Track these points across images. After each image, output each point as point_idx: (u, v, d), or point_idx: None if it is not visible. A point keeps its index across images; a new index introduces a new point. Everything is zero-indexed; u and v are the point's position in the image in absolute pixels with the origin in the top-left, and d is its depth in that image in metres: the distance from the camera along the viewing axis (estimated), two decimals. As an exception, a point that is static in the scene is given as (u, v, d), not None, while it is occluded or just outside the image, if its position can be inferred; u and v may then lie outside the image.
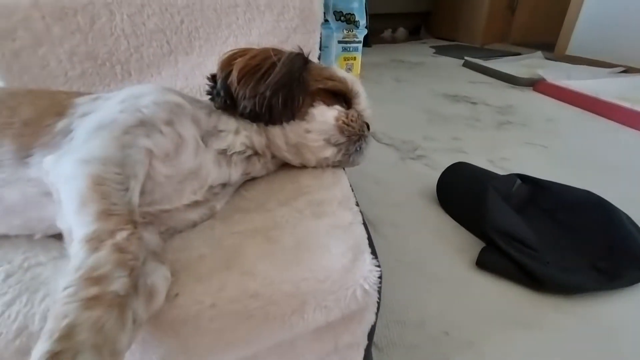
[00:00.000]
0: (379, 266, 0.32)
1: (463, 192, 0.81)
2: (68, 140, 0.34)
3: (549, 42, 2.71)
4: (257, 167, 0.47)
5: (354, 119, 0.46)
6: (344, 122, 0.45)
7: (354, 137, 0.46)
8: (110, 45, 0.63)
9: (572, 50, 2.48)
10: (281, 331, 0.31)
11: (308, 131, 0.46)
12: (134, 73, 0.66)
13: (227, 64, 0.44)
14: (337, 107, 0.46)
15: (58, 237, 0.34)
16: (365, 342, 0.37)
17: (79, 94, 0.42)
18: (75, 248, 0.25)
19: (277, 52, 0.45)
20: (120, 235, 0.25)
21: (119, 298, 0.23)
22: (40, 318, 0.28)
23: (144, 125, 0.34)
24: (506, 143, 1.25)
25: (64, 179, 0.28)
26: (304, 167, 0.49)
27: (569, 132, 1.35)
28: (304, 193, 0.43)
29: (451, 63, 2.62)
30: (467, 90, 1.88)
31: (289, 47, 0.65)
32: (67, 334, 0.21)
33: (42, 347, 0.20)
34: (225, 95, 0.44)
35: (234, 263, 0.32)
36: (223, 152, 0.42)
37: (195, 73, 0.67)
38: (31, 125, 0.36)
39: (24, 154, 0.34)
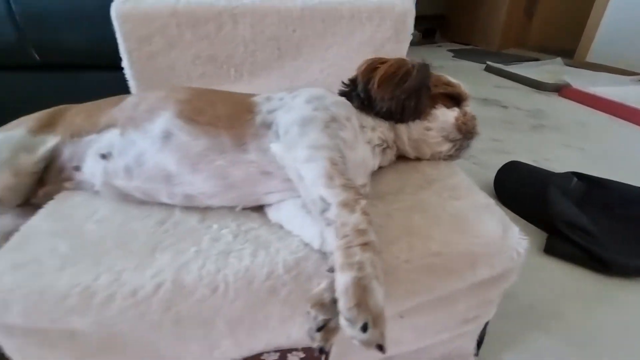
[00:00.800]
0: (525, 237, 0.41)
1: (523, 188, 0.90)
2: (273, 132, 0.43)
3: (566, 48, 2.79)
4: (387, 158, 0.55)
5: (469, 118, 0.55)
6: (462, 122, 0.54)
7: (469, 135, 0.55)
8: (230, 50, 0.72)
9: (592, 57, 2.56)
10: (457, 282, 0.39)
11: (429, 129, 0.54)
12: (246, 75, 0.75)
13: (369, 71, 0.53)
14: (456, 108, 0.55)
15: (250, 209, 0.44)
16: (499, 299, 0.45)
17: (250, 95, 0.51)
18: (335, 211, 0.33)
19: (409, 62, 0.54)
20: (362, 202, 0.34)
21: (377, 246, 0.32)
22: (283, 265, 0.37)
23: (335, 120, 0.42)
24: (544, 145, 1.34)
25: (304, 161, 0.37)
26: (417, 159, 0.58)
27: (601, 136, 1.44)
28: (434, 180, 0.52)
29: (472, 67, 2.70)
30: (495, 94, 1.96)
31: (384, 52, 0.75)
32: (359, 268, 0.30)
33: (349, 275, 0.29)
34: (365, 97, 0.53)
35: (412, 230, 0.41)
36: (367, 145, 0.51)
37: (299, 76, 0.75)
38: (234, 120, 0.45)
39: (239, 142, 0.43)
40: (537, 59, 2.85)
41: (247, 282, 0.36)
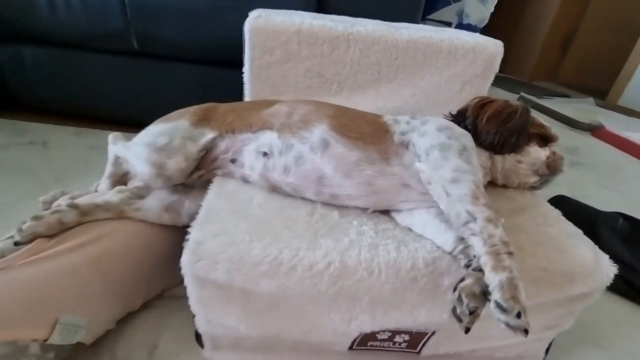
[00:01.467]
0: (615, 265, 0.50)
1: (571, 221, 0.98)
2: (412, 152, 0.52)
3: (597, 88, 2.85)
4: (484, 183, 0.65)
5: (558, 158, 0.64)
6: (552, 160, 0.63)
7: (555, 172, 0.64)
8: (337, 69, 0.82)
9: (624, 101, 2.63)
10: (554, 294, 0.48)
11: (520, 162, 0.64)
12: (346, 91, 0.85)
13: (479, 107, 0.62)
14: (547, 148, 0.64)
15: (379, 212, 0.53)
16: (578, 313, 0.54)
17: (377, 115, 0.61)
18: (482, 224, 0.42)
19: (515, 104, 0.63)
20: (502, 219, 0.43)
21: (515, 255, 0.41)
22: (423, 261, 0.46)
23: (465, 149, 0.52)
24: (582, 182, 1.42)
25: (451, 181, 0.46)
26: (504, 186, 0.67)
27: (638, 181, 1.52)
28: (525, 207, 0.61)
29: (506, 96, 2.76)
30: (532, 127, 2.04)
31: (469, 87, 0.84)
32: (510, 270, 0.39)
33: (504, 275, 0.38)
34: (472, 129, 0.62)
35: (521, 248, 0.50)
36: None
37: (392, 97, 0.85)
38: (375, 137, 0.55)
39: (384, 156, 0.53)
40: (567, 95, 2.92)
41: (396, 270, 0.46)
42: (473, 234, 0.43)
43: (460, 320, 0.41)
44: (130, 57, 1.22)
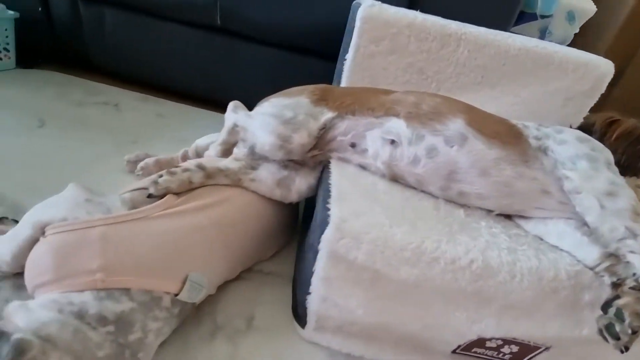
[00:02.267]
0: None
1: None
2: (552, 158, 0.50)
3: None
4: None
5: None
6: None
7: None
8: (441, 67, 0.80)
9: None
10: None
11: (638, 186, 0.61)
12: (442, 91, 0.83)
13: (607, 125, 0.60)
14: None
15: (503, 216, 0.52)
16: None
17: (503, 118, 0.59)
18: None
19: None
20: None
21: None
22: (565, 272, 0.44)
23: (610, 163, 0.50)
24: None
25: (606, 193, 0.44)
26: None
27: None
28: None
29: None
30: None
31: (572, 104, 0.81)
32: None
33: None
34: None
35: None
36: None
37: (488, 104, 0.82)
38: (511, 138, 0.53)
39: (523, 158, 0.51)
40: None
41: (538, 278, 0.44)
42: (632, 252, 0.41)
43: (617, 338, 0.39)
44: (210, 32, 1.23)
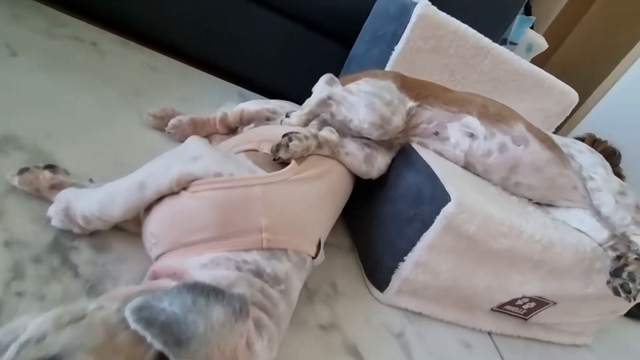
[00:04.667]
0: None
1: None
2: (577, 163, 0.66)
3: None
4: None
5: None
6: None
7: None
8: (468, 73, 0.92)
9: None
10: None
11: None
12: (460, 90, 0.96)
13: (592, 142, 0.80)
14: None
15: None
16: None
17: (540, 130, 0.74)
18: None
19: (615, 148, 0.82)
20: None
21: None
22: (589, 246, 0.61)
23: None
24: None
25: (619, 193, 0.61)
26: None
27: None
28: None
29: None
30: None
31: (548, 121, 1.03)
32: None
33: None
34: None
35: None
36: None
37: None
38: (552, 144, 0.67)
39: (562, 160, 0.66)
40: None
41: (575, 250, 0.60)
42: (635, 234, 0.58)
43: (629, 292, 0.55)
44: (260, 6, 1.13)
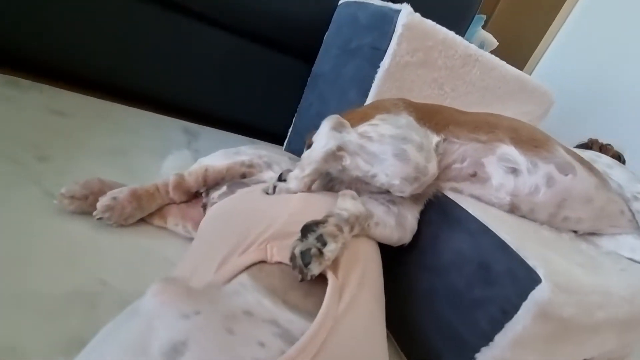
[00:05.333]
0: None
1: None
2: (614, 182, 0.58)
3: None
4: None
5: None
6: None
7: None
8: (457, 85, 0.82)
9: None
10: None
11: None
12: (449, 104, 0.85)
13: (599, 149, 0.74)
14: None
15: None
16: None
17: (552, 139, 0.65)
18: None
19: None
20: None
21: None
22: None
23: None
24: None
25: None
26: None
27: None
28: None
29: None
30: None
31: (531, 123, 0.98)
32: None
33: None
34: None
35: None
36: None
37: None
38: (588, 165, 0.58)
39: (604, 183, 0.56)
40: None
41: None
42: None
43: None
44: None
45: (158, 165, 0.72)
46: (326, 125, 0.47)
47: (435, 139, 0.51)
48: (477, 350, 0.42)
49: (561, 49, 2.28)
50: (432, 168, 0.46)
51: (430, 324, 0.47)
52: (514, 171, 0.52)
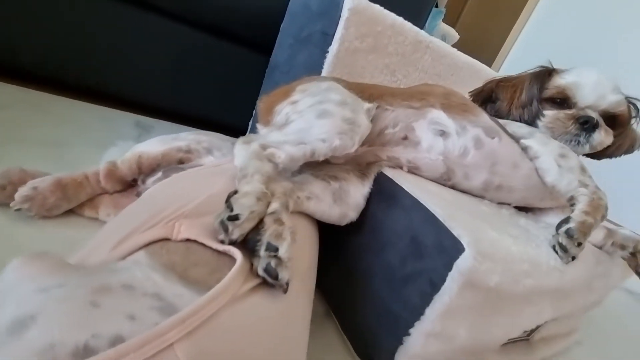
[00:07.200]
0: None
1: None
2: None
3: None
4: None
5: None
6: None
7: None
8: (409, 71, 0.83)
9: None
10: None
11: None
12: (407, 94, 0.86)
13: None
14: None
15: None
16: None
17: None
18: (592, 189, 0.50)
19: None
20: None
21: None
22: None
23: None
24: None
25: (559, 156, 0.52)
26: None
27: None
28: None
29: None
30: None
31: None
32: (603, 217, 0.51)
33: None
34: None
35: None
36: None
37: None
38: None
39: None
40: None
41: (585, 267, 0.51)
42: (583, 195, 0.49)
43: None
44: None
45: (101, 157, 0.69)
46: (236, 146, 0.44)
47: (366, 105, 0.51)
48: (411, 326, 0.42)
49: (526, 45, 2.36)
50: (363, 120, 0.46)
51: (368, 303, 0.47)
52: (443, 134, 0.52)
